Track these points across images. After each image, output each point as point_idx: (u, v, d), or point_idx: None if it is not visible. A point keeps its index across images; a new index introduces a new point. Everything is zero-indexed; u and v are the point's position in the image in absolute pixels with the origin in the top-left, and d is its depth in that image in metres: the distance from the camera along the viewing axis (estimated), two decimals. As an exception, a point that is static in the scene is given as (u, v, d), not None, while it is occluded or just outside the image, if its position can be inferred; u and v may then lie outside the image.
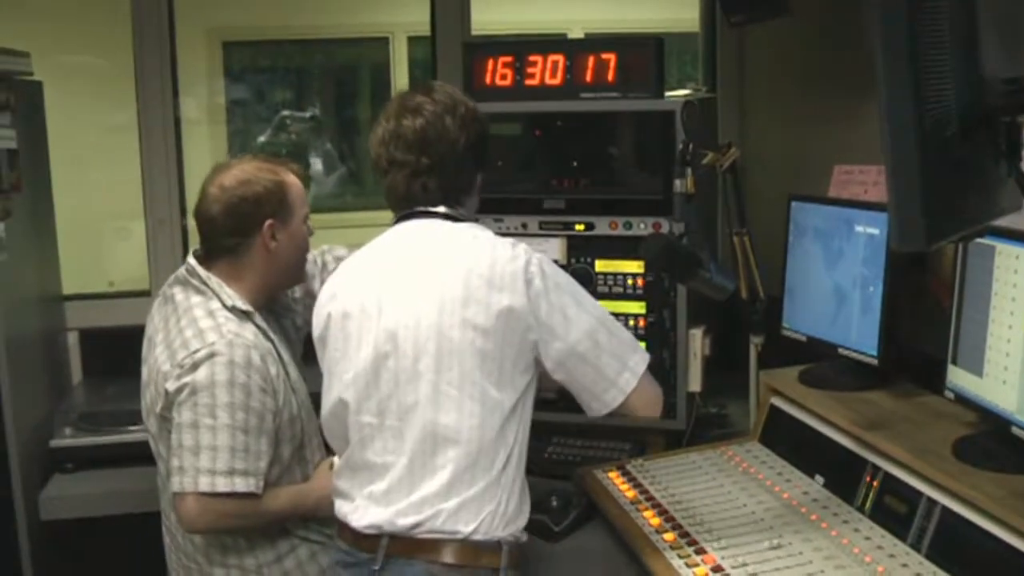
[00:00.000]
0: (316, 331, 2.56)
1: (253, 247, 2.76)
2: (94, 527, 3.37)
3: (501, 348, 2.35)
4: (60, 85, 4.01)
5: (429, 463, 2.35)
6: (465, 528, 2.33)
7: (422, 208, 2.51)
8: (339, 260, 2.99)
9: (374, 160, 2.55)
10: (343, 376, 2.45)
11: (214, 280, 2.76)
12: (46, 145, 3.84)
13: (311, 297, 2.90)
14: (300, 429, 2.79)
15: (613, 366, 2.42)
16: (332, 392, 2.49)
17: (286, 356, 2.81)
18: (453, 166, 2.50)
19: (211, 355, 2.61)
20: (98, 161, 4.68)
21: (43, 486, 3.38)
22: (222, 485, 2.58)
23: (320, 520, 2.79)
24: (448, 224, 2.49)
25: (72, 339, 4.05)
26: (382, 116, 2.54)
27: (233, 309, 2.73)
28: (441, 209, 2.50)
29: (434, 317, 2.35)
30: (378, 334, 2.40)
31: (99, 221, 4.79)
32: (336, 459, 2.58)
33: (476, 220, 2.57)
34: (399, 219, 2.54)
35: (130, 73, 4.11)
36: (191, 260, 2.81)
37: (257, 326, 2.75)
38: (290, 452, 2.77)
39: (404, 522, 2.35)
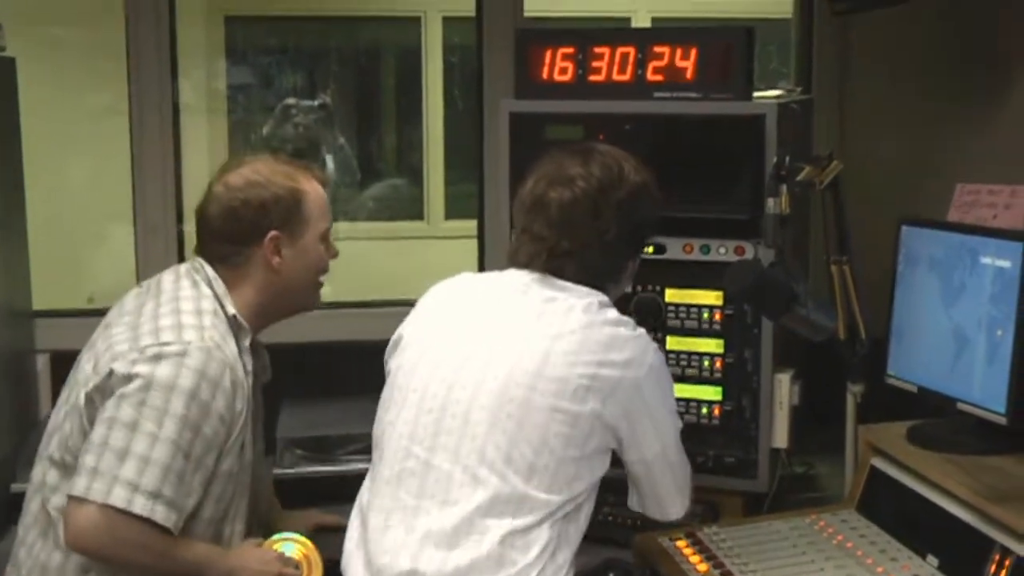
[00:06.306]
0: (392, 341, 2.66)
1: (252, 260, 2.76)
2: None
3: (591, 423, 2.42)
4: (36, 62, 4.02)
5: (478, 522, 2.36)
6: None
7: None
8: None
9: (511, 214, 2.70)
10: (408, 395, 2.52)
11: (221, 287, 2.74)
12: (19, 132, 3.83)
13: None
14: (231, 496, 2.70)
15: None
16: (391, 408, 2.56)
17: (254, 403, 2.77)
18: (598, 255, 2.58)
19: (182, 354, 2.56)
20: (77, 152, 4.69)
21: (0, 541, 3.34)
22: (139, 506, 2.48)
23: None
24: (573, 286, 2.55)
25: (42, 363, 4.03)
26: (533, 172, 2.63)
27: (233, 319, 2.71)
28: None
29: (535, 364, 2.42)
30: (464, 360, 2.47)
31: (78, 224, 4.79)
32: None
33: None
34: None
35: (117, 50, 4.12)
36: (200, 260, 2.79)
37: (242, 351, 2.71)
38: (210, 515, 2.66)
39: None
